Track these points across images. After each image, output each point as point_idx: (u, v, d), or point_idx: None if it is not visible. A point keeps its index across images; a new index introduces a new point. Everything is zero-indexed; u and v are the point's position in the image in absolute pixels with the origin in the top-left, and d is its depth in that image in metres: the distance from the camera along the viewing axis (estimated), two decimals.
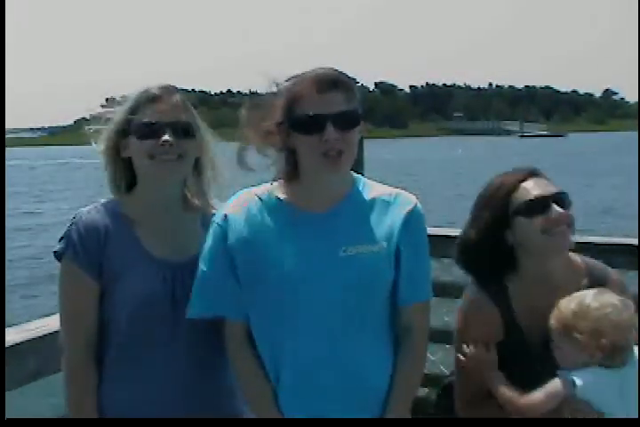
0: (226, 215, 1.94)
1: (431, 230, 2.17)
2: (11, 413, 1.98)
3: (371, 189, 2.00)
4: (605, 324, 1.88)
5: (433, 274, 2.07)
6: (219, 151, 2.14)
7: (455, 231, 2.31)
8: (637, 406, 1.88)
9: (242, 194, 2.00)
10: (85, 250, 1.98)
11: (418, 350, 1.99)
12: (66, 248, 1.99)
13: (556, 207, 2.06)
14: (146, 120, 1.99)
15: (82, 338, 1.99)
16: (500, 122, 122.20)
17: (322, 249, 1.88)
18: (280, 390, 1.90)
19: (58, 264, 2.03)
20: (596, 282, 2.12)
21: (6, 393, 2.03)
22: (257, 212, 1.94)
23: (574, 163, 35.16)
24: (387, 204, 1.96)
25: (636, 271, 3.12)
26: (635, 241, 3.17)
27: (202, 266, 1.95)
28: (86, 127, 2.09)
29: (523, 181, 2.11)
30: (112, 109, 2.07)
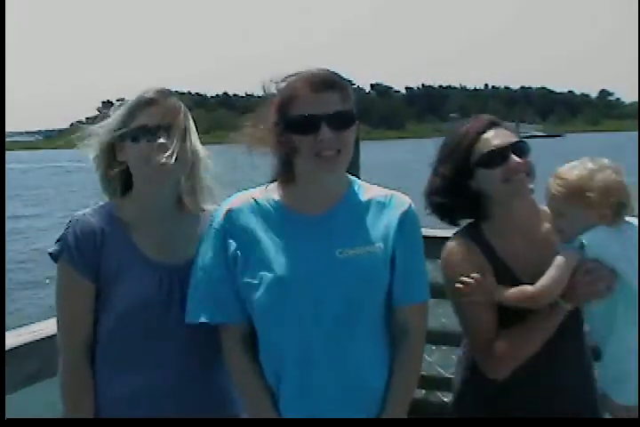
0: (222, 218, 1.95)
1: (426, 232, 2.18)
2: (10, 413, 1.99)
3: (366, 190, 2.01)
4: (612, 182, 1.97)
5: (429, 275, 2.07)
6: (215, 154, 2.14)
7: (450, 233, 2.31)
8: (637, 257, 1.96)
9: (238, 196, 2.00)
10: (81, 253, 1.98)
11: (415, 351, 1.99)
12: (62, 251, 2.00)
13: (514, 157, 2.11)
14: (141, 124, 1.99)
15: (78, 340, 2.00)
16: None
17: (318, 251, 1.89)
18: (278, 391, 1.91)
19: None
20: None
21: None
22: (253, 214, 1.94)
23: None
24: (382, 205, 1.97)
25: None
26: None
27: (198, 270, 1.95)
28: (78, 134, 2.09)
29: (483, 132, 2.17)
30: (108, 113, 2.08)
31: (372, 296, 1.92)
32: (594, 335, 2.14)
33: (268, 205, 1.95)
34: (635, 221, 2.04)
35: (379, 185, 2.09)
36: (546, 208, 2.21)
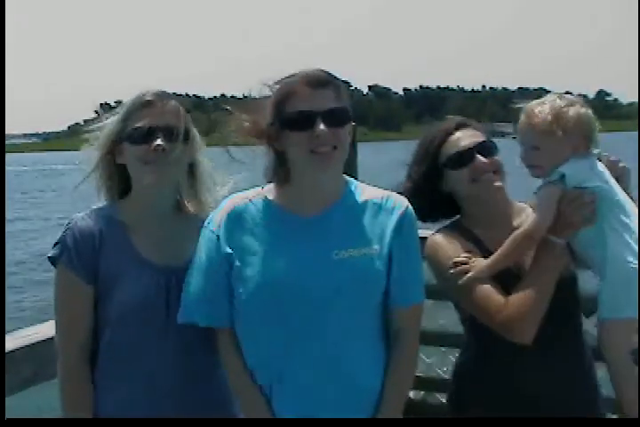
0: (217, 220, 1.94)
1: (424, 233, 2.18)
2: (10, 413, 1.99)
3: (362, 191, 2.00)
4: (582, 114, 2.06)
5: (426, 277, 2.07)
6: (213, 155, 2.14)
7: None
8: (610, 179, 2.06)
9: (233, 198, 2.00)
10: (80, 255, 1.98)
11: (410, 352, 1.99)
12: (60, 253, 2.00)
13: (479, 157, 2.16)
14: (138, 126, 2.00)
15: (76, 342, 2.00)
16: (494, 124, 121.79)
17: (314, 252, 1.88)
18: (273, 392, 1.90)
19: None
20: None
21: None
22: (249, 216, 1.94)
23: None
24: (378, 206, 1.97)
25: None
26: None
27: (192, 273, 1.95)
28: (79, 136, 2.10)
29: (450, 133, 2.23)
30: (106, 115, 2.08)
31: (368, 297, 1.91)
32: (593, 263, 2.13)
33: (263, 207, 1.95)
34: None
35: (376, 186, 2.09)
36: (520, 203, 2.27)
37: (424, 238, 2.16)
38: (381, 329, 1.97)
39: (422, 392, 3.15)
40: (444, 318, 2.40)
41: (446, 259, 2.13)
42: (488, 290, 2.07)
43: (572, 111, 2.04)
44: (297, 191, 1.94)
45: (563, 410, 2.12)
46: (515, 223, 2.20)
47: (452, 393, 2.34)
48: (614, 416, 2.73)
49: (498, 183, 2.17)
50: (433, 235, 2.26)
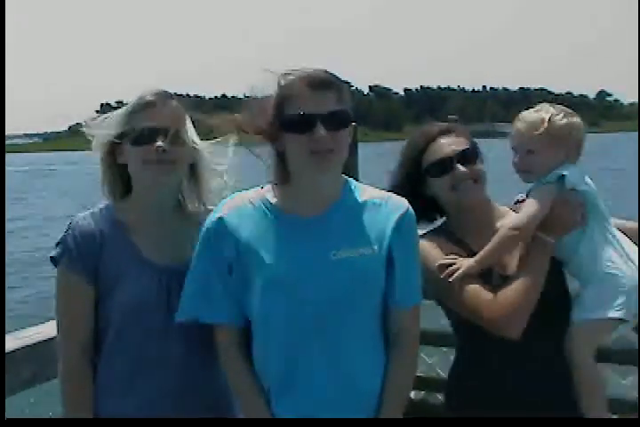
0: (216, 220, 1.94)
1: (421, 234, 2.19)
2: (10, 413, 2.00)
3: (362, 192, 2.00)
4: (575, 123, 2.15)
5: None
6: (213, 156, 2.14)
7: None
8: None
9: (233, 198, 2.00)
10: (81, 256, 1.99)
11: (409, 353, 1.99)
12: (62, 254, 2.00)
13: (459, 166, 2.18)
14: (139, 126, 2.00)
15: (77, 342, 2.00)
16: (495, 124, 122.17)
17: (312, 253, 1.88)
18: (272, 392, 1.90)
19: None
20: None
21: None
22: (248, 216, 1.94)
23: None
24: (378, 207, 1.97)
25: None
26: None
27: (192, 271, 1.95)
28: (85, 134, 2.10)
29: (432, 140, 2.24)
30: (107, 115, 2.08)
31: (367, 298, 1.91)
32: (572, 265, 2.17)
33: (262, 207, 1.95)
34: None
35: (376, 186, 2.09)
36: (503, 207, 2.31)
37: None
38: (381, 330, 1.97)
39: (423, 392, 3.14)
40: (444, 318, 2.39)
41: (432, 263, 2.14)
42: (476, 288, 2.10)
43: (566, 119, 2.12)
44: (296, 192, 1.94)
45: (555, 409, 2.12)
46: (494, 228, 2.20)
47: (447, 394, 2.37)
48: (614, 416, 2.74)
49: (478, 191, 2.21)
50: (420, 240, 2.25)
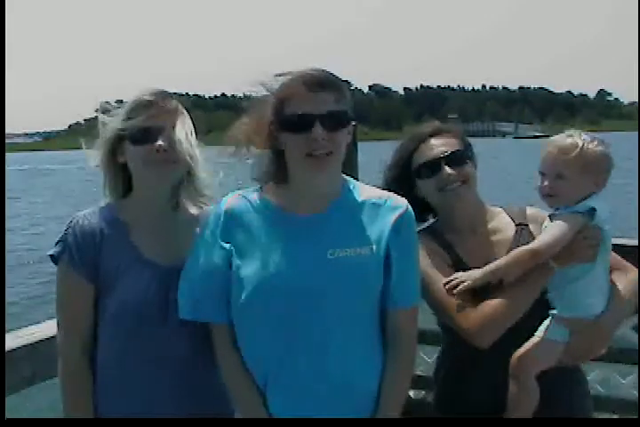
0: (215, 218, 1.95)
1: None
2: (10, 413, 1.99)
3: (361, 191, 2.00)
4: (607, 154, 2.11)
5: None
6: (212, 155, 2.14)
7: None
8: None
9: (231, 197, 2.00)
10: (81, 254, 1.99)
11: (406, 354, 1.98)
12: (62, 252, 2.01)
13: (446, 168, 2.19)
14: (140, 126, 2.00)
15: (78, 341, 2.01)
16: (495, 123, 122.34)
17: (309, 252, 1.88)
18: (268, 392, 1.90)
19: None
20: (520, 219, 2.29)
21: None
22: (246, 214, 1.94)
23: None
24: (377, 207, 1.96)
25: None
26: (634, 242, 3.16)
27: (190, 269, 1.95)
28: (86, 132, 2.11)
29: (423, 141, 2.25)
30: (107, 115, 2.08)
31: (363, 298, 1.91)
32: (559, 295, 2.14)
33: (261, 206, 1.95)
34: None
35: (376, 186, 2.09)
36: (494, 208, 2.32)
37: None
38: (378, 331, 1.96)
39: (423, 391, 3.14)
40: None
41: (423, 265, 2.12)
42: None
43: (599, 147, 2.08)
44: (294, 191, 1.94)
45: (548, 408, 2.12)
46: (488, 228, 2.26)
47: (436, 393, 2.38)
48: (614, 416, 2.74)
49: (466, 192, 2.21)
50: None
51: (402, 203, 1.98)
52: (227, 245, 1.91)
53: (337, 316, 1.86)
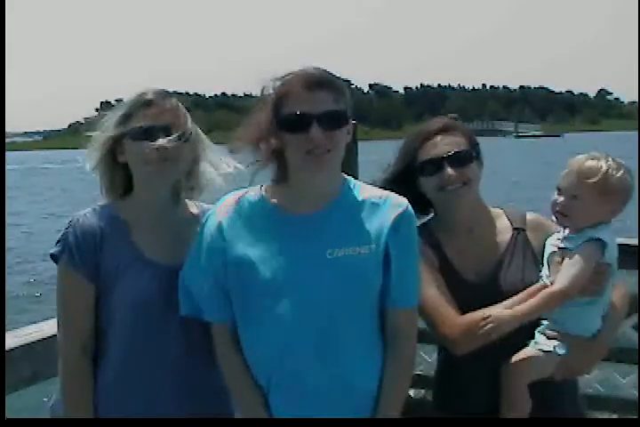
0: (214, 217, 1.95)
1: None
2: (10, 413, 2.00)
3: (361, 190, 2.00)
4: (629, 182, 2.07)
5: None
6: (214, 154, 2.14)
7: None
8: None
9: (231, 196, 2.00)
10: (81, 253, 1.99)
11: (406, 354, 1.98)
12: (62, 251, 2.01)
13: (448, 168, 2.16)
14: (140, 125, 2.00)
15: (78, 339, 2.01)
16: (495, 123, 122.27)
17: (308, 251, 1.88)
18: (269, 392, 1.90)
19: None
20: (518, 224, 2.27)
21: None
22: (245, 214, 1.94)
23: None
24: (376, 206, 1.96)
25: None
26: (634, 241, 3.16)
27: (190, 268, 1.96)
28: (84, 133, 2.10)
29: (430, 138, 2.22)
30: (107, 114, 2.08)
31: (362, 297, 1.91)
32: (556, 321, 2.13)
33: (260, 205, 1.95)
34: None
35: (374, 182, 2.09)
36: (495, 209, 2.30)
37: None
38: (378, 330, 1.96)
39: (423, 390, 3.14)
40: None
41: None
42: (440, 301, 2.10)
43: (622, 175, 2.04)
44: (294, 190, 1.94)
45: (553, 408, 2.14)
46: (484, 229, 2.24)
47: (435, 391, 2.38)
48: (614, 416, 2.74)
49: (466, 194, 2.19)
50: None
51: (402, 202, 1.97)
52: (225, 246, 1.91)
53: (337, 315, 1.86)
